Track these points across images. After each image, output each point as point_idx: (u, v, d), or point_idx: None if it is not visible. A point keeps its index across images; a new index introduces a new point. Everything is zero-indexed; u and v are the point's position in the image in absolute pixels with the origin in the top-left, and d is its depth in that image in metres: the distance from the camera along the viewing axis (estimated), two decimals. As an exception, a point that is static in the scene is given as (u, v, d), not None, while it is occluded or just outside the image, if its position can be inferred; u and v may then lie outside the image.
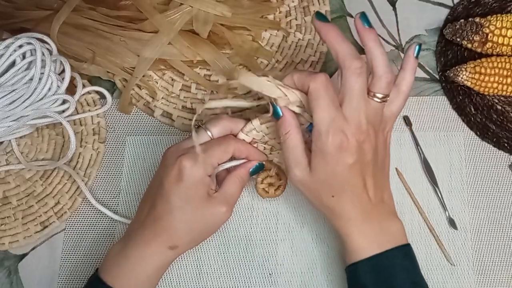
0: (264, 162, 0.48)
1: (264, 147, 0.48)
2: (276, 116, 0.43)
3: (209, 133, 0.46)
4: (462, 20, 0.55)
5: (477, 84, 0.53)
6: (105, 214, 0.53)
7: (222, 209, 0.45)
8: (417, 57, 0.44)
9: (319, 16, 0.41)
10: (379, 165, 0.43)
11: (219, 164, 0.46)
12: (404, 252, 0.43)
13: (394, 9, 0.60)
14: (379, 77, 0.41)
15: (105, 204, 0.53)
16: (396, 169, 0.53)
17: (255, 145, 0.48)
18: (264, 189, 0.49)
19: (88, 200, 0.53)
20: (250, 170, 0.47)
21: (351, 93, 0.40)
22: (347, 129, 0.40)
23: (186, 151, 0.44)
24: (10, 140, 0.56)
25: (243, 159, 0.47)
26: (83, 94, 0.58)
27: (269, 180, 0.49)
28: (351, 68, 0.39)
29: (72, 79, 0.56)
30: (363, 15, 0.41)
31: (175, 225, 0.44)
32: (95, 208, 0.53)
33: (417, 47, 0.44)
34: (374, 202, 0.43)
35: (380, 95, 0.41)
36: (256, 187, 0.49)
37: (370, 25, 0.41)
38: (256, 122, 0.46)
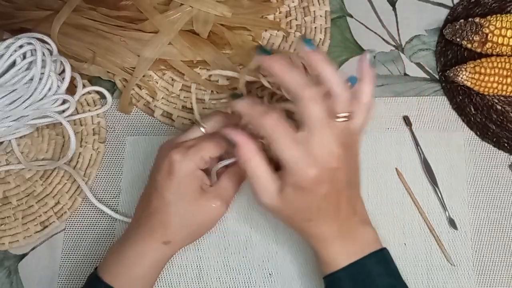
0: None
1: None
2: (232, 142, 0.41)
3: (202, 129, 0.46)
4: (462, 20, 0.55)
5: (477, 84, 0.53)
6: (105, 214, 0.53)
7: (215, 204, 0.44)
8: (371, 64, 0.42)
9: (260, 50, 0.42)
10: (352, 183, 0.43)
11: (213, 159, 0.45)
12: (379, 257, 0.43)
13: (394, 9, 0.60)
14: (336, 96, 0.39)
15: (105, 204, 0.53)
16: (396, 169, 0.53)
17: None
18: None
19: (88, 200, 0.53)
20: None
21: (313, 124, 0.38)
22: (319, 162, 0.39)
23: (177, 145, 0.44)
24: (10, 140, 0.56)
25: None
26: (83, 94, 0.58)
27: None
28: (304, 97, 0.38)
29: (72, 79, 0.56)
30: (305, 40, 0.40)
31: (169, 219, 0.44)
32: (95, 208, 0.53)
33: (368, 55, 0.42)
34: (347, 217, 0.43)
35: (342, 115, 0.39)
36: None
37: (313, 47, 0.40)
38: None
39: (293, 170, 0.39)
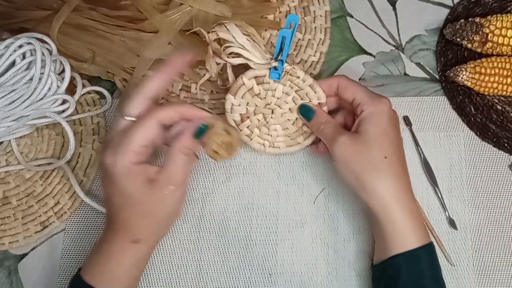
0: (206, 121, 0.43)
1: (258, 119, 0.48)
2: (308, 118, 0.48)
3: (125, 117, 0.43)
4: (462, 20, 0.55)
5: (477, 84, 0.53)
6: (105, 214, 0.53)
7: (168, 190, 0.42)
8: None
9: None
10: None
11: (150, 145, 0.43)
12: (432, 249, 0.44)
13: (394, 9, 0.60)
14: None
15: (104, 204, 0.53)
16: (396, 169, 0.53)
17: (248, 121, 0.47)
18: (214, 151, 0.44)
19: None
20: (193, 134, 0.43)
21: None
22: (386, 98, 0.46)
23: (106, 146, 0.43)
24: (10, 140, 0.56)
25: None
26: (83, 94, 0.58)
27: (218, 139, 0.44)
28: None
29: (72, 79, 0.56)
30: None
31: (128, 220, 0.43)
32: (95, 208, 0.53)
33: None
34: (408, 190, 0.45)
35: None
36: (205, 150, 0.44)
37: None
38: (230, 97, 0.47)
39: (370, 99, 0.45)
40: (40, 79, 0.53)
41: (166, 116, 0.43)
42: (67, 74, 0.54)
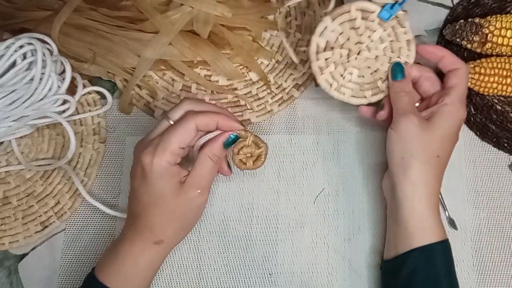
0: (238, 132, 0.45)
1: (341, 54, 0.47)
2: (396, 78, 0.48)
3: (170, 121, 0.44)
4: (461, 21, 0.55)
5: (477, 84, 0.53)
6: (105, 214, 0.53)
7: (194, 193, 0.44)
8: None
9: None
10: None
11: (186, 147, 0.44)
12: (449, 246, 0.45)
13: (394, 9, 0.60)
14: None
15: (105, 204, 0.53)
16: (396, 169, 0.53)
17: (330, 52, 0.47)
18: (241, 161, 0.46)
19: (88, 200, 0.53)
20: (223, 143, 0.45)
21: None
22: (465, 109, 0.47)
23: (146, 145, 0.43)
24: (10, 140, 0.56)
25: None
26: (84, 94, 0.58)
27: (247, 150, 0.46)
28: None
29: (73, 79, 0.56)
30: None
31: (152, 221, 0.44)
32: (95, 208, 0.53)
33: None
34: (437, 188, 0.46)
35: None
36: (233, 159, 0.46)
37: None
38: (327, 20, 0.44)
39: (458, 96, 0.46)
40: (40, 79, 0.53)
41: (203, 123, 0.44)
42: (68, 74, 0.54)
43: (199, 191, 0.44)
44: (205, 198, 0.45)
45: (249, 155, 0.46)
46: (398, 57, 0.49)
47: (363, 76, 0.49)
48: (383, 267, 0.48)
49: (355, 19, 0.47)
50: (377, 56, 0.49)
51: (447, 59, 0.48)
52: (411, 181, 0.44)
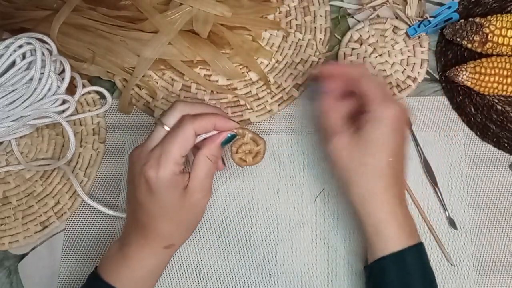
0: (235, 131, 0.45)
1: (366, 49, 0.56)
2: (314, 100, 0.48)
3: (165, 127, 0.43)
4: (462, 20, 0.55)
5: (477, 84, 0.53)
6: (105, 214, 0.53)
7: (198, 197, 0.44)
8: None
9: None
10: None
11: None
12: (423, 250, 0.44)
13: (394, 9, 0.60)
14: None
15: (105, 204, 0.53)
16: (396, 169, 0.53)
17: (358, 44, 0.54)
18: (241, 158, 0.47)
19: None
20: (221, 142, 0.45)
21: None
22: (397, 104, 0.44)
23: (148, 157, 0.42)
24: (10, 140, 0.56)
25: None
26: (83, 94, 0.58)
27: (245, 148, 0.46)
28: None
29: (72, 79, 0.56)
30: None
31: (162, 228, 0.44)
32: (95, 208, 0.53)
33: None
34: (401, 194, 0.45)
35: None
36: (232, 158, 0.46)
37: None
38: (366, 22, 0.57)
39: (378, 99, 0.44)
40: (40, 79, 0.53)
41: (201, 127, 0.44)
42: (67, 74, 0.54)
43: (203, 193, 0.44)
44: (207, 200, 0.45)
45: (248, 152, 0.47)
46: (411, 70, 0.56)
47: (376, 75, 0.56)
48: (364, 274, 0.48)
49: (387, 29, 0.57)
50: (394, 63, 0.56)
51: (344, 75, 0.47)
52: (359, 198, 0.44)
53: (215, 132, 0.44)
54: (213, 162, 0.44)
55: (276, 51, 0.58)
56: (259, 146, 0.47)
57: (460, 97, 0.55)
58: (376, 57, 0.57)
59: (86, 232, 0.54)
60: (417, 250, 0.44)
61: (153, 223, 0.44)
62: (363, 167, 0.43)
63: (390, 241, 0.43)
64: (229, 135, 0.45)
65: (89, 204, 0.53)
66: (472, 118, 0.54)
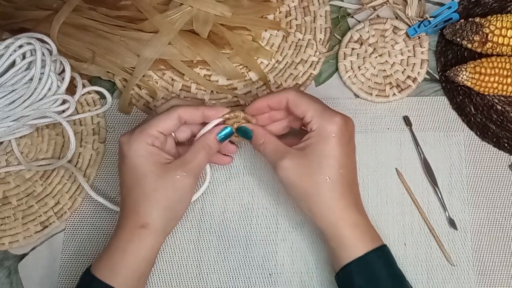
0: (228, 115, 0.47)
1: (366, 49, 0.57)
2: (248, 138, 0.47)
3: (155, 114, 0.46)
4: (462, 20, 0.55)
5: (477, 84, 0.53)
6: (105, 214, 0.53)
7: (179, 174, 0.44)
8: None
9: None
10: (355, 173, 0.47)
11: (165, 136, 0.46)
12: (386, 251, 0.45)
13: (394, 9, 0.60)
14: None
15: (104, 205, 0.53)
16: (396, 169, 0.53)
17: (358, 44, 0.56)
18: (236, 137, 0.48)
19: (88, 200, 0.53)
20: (218, 135, 0.47)
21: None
22: (339, 116, 0.44)
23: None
24: (10, 140, 0.56)
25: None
26: (83, 94, 0.58)
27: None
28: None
29: (72, 79, 0.56)
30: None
31: (136, 202, 0.44)
32: (95, 208, 0.53)
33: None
34: (356, 202, 0.44)
35: None
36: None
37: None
38: (366, 22, 0.58)
39: (316, 116, 0.44)
40: (40, 79, 0.53)
41: (187, 113, 0.45)
42: (67, 74, 0.54)
43: (184, 173, 0.44)
44: (190, 182, 0.45)
45: None
46: (412, 70, 0.55)
47: (376, 75, 0.56)
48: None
49: (387, 29, 0.57)
50: (394, 63, 0.56)
51: (282, 97, 0.46)
52: (317, 216, 0.44)
53: (215, 124, 0.47)
54: (206, 151, 0.46)
55: (276, 51, 0.58)
56: (250, 123, 0.48)
57: (460, 97, 0.55)
58: (376, 57, 0.57)
59: (86, 232, 0.54)
60: (382, 252, 0.44)
61: (129, 197, 0.44)
62: (316, 184, 0.44)
63: (353, 248, 0.43)
64: (227, 128, 0.47)
65: (89, 204, 0.53)
66: (472, 118, 0.54)
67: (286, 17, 0.60)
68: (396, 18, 0.58)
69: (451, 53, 0.57)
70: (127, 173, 0.44)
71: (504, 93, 0.53)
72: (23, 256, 0.53)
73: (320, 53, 0.58)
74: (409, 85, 0.56)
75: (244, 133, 0.47)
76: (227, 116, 0.47)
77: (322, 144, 0.44)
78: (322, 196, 0.44)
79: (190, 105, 0.46)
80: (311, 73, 0.57)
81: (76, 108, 0.57)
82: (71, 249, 0.53)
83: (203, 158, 0.46)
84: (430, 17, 0.55)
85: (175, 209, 0.45)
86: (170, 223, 0.46)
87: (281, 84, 0.57)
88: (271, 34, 0.59)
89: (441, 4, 0.59)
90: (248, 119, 0.48)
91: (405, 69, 0.56)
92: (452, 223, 0.51)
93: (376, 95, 0.55)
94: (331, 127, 0.44)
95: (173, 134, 0.48)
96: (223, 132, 0.47)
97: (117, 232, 0.45)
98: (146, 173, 0.43)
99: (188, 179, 0.44)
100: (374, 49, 0.57)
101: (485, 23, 0.53)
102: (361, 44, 0.57)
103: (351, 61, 0.57)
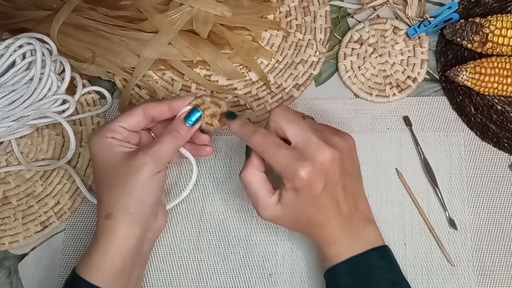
0: (194, 102, 0.46)
1: (366, 49, 0.56)
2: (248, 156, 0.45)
3: None
4: (462, 20, 0.55)
5: (477, 84, 0.53)
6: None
7: (142, 160, 0.43)
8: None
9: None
10: (349, 174, 0.43)
11: (129, 131, 0.46)
12: (381, 253, 0.44)
13: (394, 9, 0.60)
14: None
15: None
16: (396, 169, 0.53)
17: (358, 44, 0.55)
18: (207, 123, 0.47)
19: (88, 200, 0.53)
20: (188, 119, 0.46)
21: (288, 120, 0.43)
22: (309, 160, 0.40)
23: None
24: (10, 140, 0.56)
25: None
26: (83, 94, 0.58)
27: (208, 112, 0.46)
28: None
29: (72, 79, 0.56)
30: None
31: (101, 193, 0.45)
32: (95, 208, 0.53)
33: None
34: (348, 214, 0.44)
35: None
36: (200, 126, 0.47)
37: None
38: (366, 22, 0.58)
39: (287, 172, 0.41)
40: (40, 79, 0.53)
41: (151, 108, 0.46)
42: (67, 74, 0.54)
43: (147, 160, 0.43)
44: (153, 170, 0.43)
45: (212, 115, 0.47)
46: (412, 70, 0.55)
47: (376, 75, 0.56)
48: None
49: (387, 29, 0.57)
50: (394, 63, 0.56)
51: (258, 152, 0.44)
52: (311, 235, 0.45)
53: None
54: (172, 136, 0.45)
55: (276, 51, 0.58)
56: (221, 107, 0.47)
57: (460, 97, 0.55)
58: (376, 57, 0.57)
59: (86, 232, 0.54)
60: (372, 254, 0.43)
61: (97, 189, 0.46)
62: (302, 223, 0.44)
63: (342, 250, 0.43)
64: (191, 110, 0.46)
65: (89, 204, 0.53)
66: (472, 118, 0.54)
67: (286, 17, 0.60)
68: (396, 18, 0.58)
69: (451, 53, 0.57)
70: (94, 167, 0.46)
71: (504, 93, 0.53)
72: (23, 256, 0.53)
73: (320, 53, 0.58)
74: (409, 85, 0.56)
75: (231, 115, 0.46)
76: (194, 103, 0.46)
77: (297, 199, 0.42)
78: (313, 228, 0.44)
79: (154, 100, 0.47)
80: (311, 73, 0.57)
81: (76, 108, 0.57)
82: (71, 249, 0.53)
83: (169, 143, 0.45)
84: (430, 17, 0.55)
85: (139, 196, 0.43)
86: (138, 211, 0.44)
87: (281, 84, 0.57)
88: (271, 34, 0.59)
89: (441, 4, 0.59)
90: (217, 102, 0.47)
91: (405, 69, 0.56)
92: (452, 223, 0.51)
93: (376, 95, 0.55)
94: (300, 184, 0.41)
95: (152, 133, 0.49)
96: (191, 114, 0.46)
97: (96, 229, 0.45)
98: (106, 163, 0.44)
99: (153, 167, 0.43)
100: (374, 49, 0.57)
101: (485, 23, 0.53)
102: (361, 44, 0.57)
103: (351, 61, 0.57)
